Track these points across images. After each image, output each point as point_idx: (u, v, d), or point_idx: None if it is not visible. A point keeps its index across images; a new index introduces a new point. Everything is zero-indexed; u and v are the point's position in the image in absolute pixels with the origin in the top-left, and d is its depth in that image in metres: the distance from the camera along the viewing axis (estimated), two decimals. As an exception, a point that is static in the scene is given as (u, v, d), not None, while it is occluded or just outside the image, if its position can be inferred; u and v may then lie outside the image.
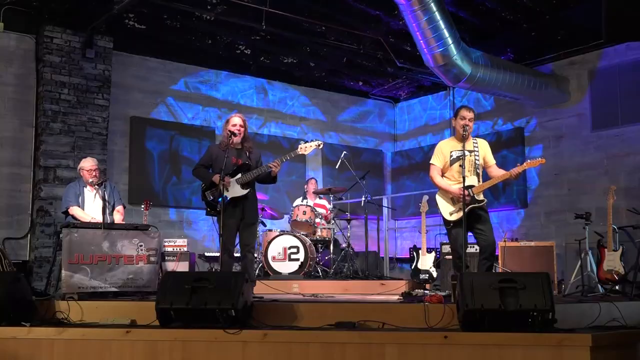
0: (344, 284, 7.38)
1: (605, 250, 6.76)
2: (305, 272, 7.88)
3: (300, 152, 5.84)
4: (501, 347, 4.12)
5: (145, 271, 5.81)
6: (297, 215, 8.38)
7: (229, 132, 5.78)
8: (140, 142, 9.28)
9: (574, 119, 9.39)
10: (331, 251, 8.30)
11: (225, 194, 5.60)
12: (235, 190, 5.72)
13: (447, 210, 5.59)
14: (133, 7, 8.10)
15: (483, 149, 5.68)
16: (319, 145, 5.87)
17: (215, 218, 5.84)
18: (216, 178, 5.71)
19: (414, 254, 7.67)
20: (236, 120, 5.86)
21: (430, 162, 5.76)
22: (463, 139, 5.50)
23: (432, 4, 7.31)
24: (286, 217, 9.07)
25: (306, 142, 5.89)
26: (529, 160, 5.59)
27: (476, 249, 6.05)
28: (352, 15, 8.67)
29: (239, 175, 5.75)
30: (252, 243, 5.92)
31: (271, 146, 10.31)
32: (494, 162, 5.75)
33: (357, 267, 8.19)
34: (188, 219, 9.62)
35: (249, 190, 5.79)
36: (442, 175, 5.69)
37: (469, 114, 5.57)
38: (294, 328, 4.59)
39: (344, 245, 8.57)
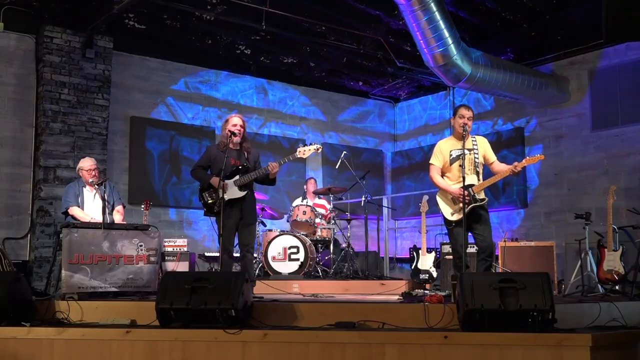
0: (344, 284, 7.37)
1: (605, 250, 6.76)
2: (305, 272, 7.88)
3: (298, 156, 5.84)
4: (501, 347, 4.12)
5: (145, 271, 5.81)
6: (297, 215, 8.38)
7: (229, 132, 5.77)
8: (140, 142, 9.28)
9: (574, 119, 9.39)
10: (331, 251, 8.30)
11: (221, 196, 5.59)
12: (233, 192, 5.72)
13: (448, 211, 5.59)
14: (133, 7, 8.10)
15: (482, 147, 5.68)
16: (317, 150, 5.85)
17: (213, 219, 5.85)
18: (214, 181, 5.72)
19: (414, 254, 7.68)
20: (236, 120, 5.85)
21: (430, 162, 5.76)
22: (462, 138, 5.50)
23: (432, 4, 7.32)
24: (286, 217, 9.07)
25: (305, 145, 5.88)
26: (528, 157, 5.59)
27: (476, 249, 6.05)
28: (352, 15, 8.67)
29: (237, 177, 5.75)
30: (251, 243, 5.91)
31: (271, 146, 10.31)
32: (495, 158, 5.74)
33: (357, 267, 8.18)
34: (188, 219, 9.62)
35: (246, 192, 5.79)
36: (443, 175, 5.69)
37: (467, 113, 5.57)
38: (294, 328, 4.59)
39: (344, 245, 8.57)
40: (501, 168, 5.63)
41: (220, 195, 5.54)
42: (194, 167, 6.02)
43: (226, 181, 5.65)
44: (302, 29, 8.98)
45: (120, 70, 9.06)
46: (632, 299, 5.38)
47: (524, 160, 5.54)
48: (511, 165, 5.51)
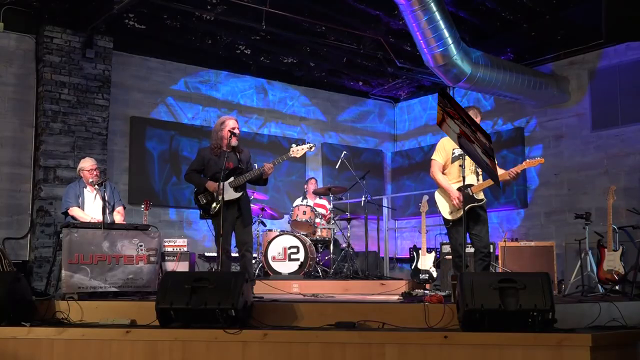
0: (344, 284, 7.37)
1: (605, 250, 6.76)
2: (305, 272, 7.88)
3: (292, 155, 5.82)
4: (501, 347, 4.12)
5: (145, 271, 5.81)
6: (297, 215, 8.38)
7: (229, 133, 5.77)
8: (140, 142, 9.28)
9: (574, 119, 9.39)
10: (331, 251, 8.30)
11: (219, 198, 5.59)
12: (228, 194, 5.71)
13: (447, 210, 5.59)
14: (133, 7, 8.10)
15: (483, 149, 5.67)
16: (310, 148, 5.84)
17: (209, 221, 5.87)
18: (209, 185, 5.73)
19: (414, 254, 7.68)
20: (235, 122, 5.87)
21: (432, 157, 5.73)
22: (465, 139, 5.50)
23: (432, 4, 7.31)
24: (286, 217, 9.07)
25: (298, 144, 5.86)
26: (527, 160, 5.58)
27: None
28: (352, 15, 8.67)
29: (232, 179, 5.75)
30: (250, 242, 5.93)
31: (271, 146, 10.31)
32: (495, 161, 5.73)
33: (357, 267, 8.18)
34: (188, 219, 9.62)
35: (242, 193, 5.79)
36: (442, 173, 5.68)
37: (477, 118, 5.54)
38: (294, 328, 4.59)
39: (344, 245, 8.57)
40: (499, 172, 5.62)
41: (220, 199, 5.54)
42: (188, 171, 6.01)
43: (220, 183, 5.66)
44: (302, 29, 8.98)
45: (120, 70, 9.06)
46: (632, 299, 5.37)
47: (523, 163, 5.53)
48: (509, 169, 5.50)
